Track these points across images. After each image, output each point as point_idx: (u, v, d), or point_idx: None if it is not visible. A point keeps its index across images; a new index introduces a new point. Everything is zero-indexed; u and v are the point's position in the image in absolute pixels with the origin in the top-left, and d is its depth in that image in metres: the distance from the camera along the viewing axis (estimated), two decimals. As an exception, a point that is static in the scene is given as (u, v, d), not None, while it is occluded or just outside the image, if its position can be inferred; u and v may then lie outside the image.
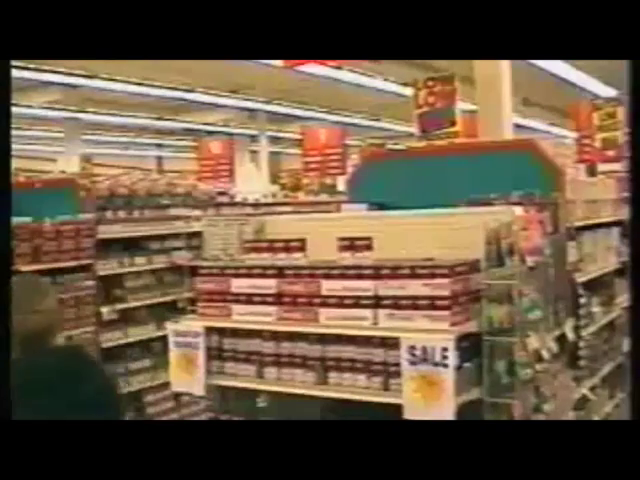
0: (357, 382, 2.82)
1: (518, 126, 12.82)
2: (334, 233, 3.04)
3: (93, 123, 17.06)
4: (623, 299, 4.54)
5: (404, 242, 3.13)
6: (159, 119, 17.31)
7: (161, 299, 6.37)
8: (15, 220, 4.75)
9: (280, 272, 3.04)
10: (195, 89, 13.91)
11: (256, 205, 9.86)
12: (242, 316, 3.08)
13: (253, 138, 19.23)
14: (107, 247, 5.88)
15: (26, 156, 18.72)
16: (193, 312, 3.29)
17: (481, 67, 8.08)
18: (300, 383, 2.93)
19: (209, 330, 3.16)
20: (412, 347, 2.63)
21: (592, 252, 4.19)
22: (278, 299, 3.01)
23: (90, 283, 5.50)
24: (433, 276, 2.72)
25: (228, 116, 17.35)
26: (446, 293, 2.69)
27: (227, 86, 14.60)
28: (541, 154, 3.99)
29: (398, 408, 2.64)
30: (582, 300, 3.82)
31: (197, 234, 6.25)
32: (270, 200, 11.06)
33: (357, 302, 2.83)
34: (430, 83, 8.21)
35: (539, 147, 4.05)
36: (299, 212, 9.01)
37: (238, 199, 9.57)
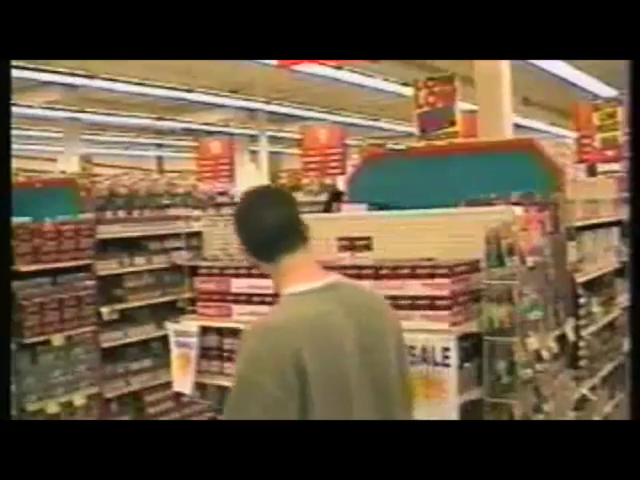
0: (357, 382, 2.81)
1: (518, 126, 12.83)
2: (334, 233, 3.04)
3: (93, 123, 17.06)
4: (623, 299, 4.54)
5: (404, 242, 3.13)
6: (159, 119, 17.31)
7: (161, 299, 6.37)
8: (15, 220, 4.75)
9: (280, 272, 3.03)
10: (195, 89, 13.90)
11: (256, 205, 9.84)
12: (242, 316, 3.08)
13: (253, 138, 19.23)
14: (107, 247, 5.88)
15: (26, 156, 18.73)
16: (193, 312, 3.29)
17: (481, 67, 8.09)
18: (300, 383, 2.92)
19: (209, 330, 3.15)
20: (412, 347, 2.63)
21: (592, 252, 4.19)
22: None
23: (90, 283, 5.50)
24: (433, 276, 2.71)
25: (228, 116, 17.36)
26: (446, 293, 2.68)
27: (227, 86, 14.60)
28: (541, 154, 3.99)
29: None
30: (582, 300, 3.82)
31: (197, 234, 6.26)
32: (270, 200, 11.03)
33: (357, 302, 2.82)
34: (430, 83, 8.21)
35: (539, 147, 4.04)
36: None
37: (238, 199, 9.56)
